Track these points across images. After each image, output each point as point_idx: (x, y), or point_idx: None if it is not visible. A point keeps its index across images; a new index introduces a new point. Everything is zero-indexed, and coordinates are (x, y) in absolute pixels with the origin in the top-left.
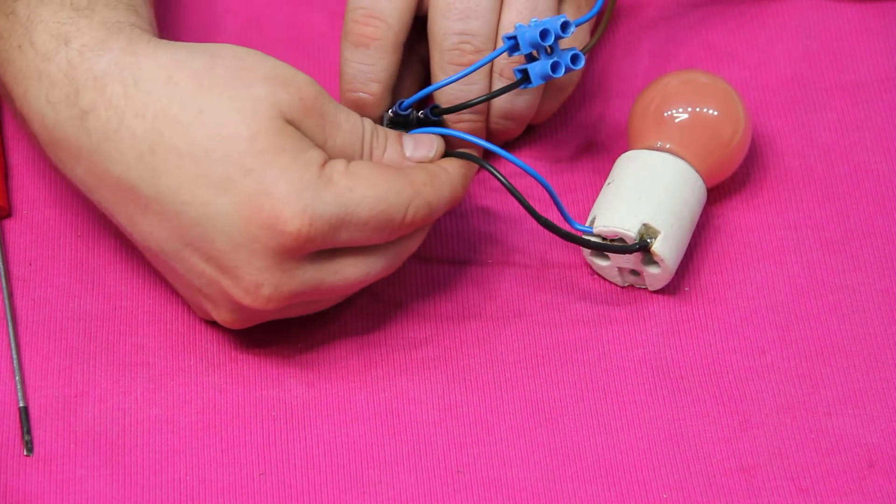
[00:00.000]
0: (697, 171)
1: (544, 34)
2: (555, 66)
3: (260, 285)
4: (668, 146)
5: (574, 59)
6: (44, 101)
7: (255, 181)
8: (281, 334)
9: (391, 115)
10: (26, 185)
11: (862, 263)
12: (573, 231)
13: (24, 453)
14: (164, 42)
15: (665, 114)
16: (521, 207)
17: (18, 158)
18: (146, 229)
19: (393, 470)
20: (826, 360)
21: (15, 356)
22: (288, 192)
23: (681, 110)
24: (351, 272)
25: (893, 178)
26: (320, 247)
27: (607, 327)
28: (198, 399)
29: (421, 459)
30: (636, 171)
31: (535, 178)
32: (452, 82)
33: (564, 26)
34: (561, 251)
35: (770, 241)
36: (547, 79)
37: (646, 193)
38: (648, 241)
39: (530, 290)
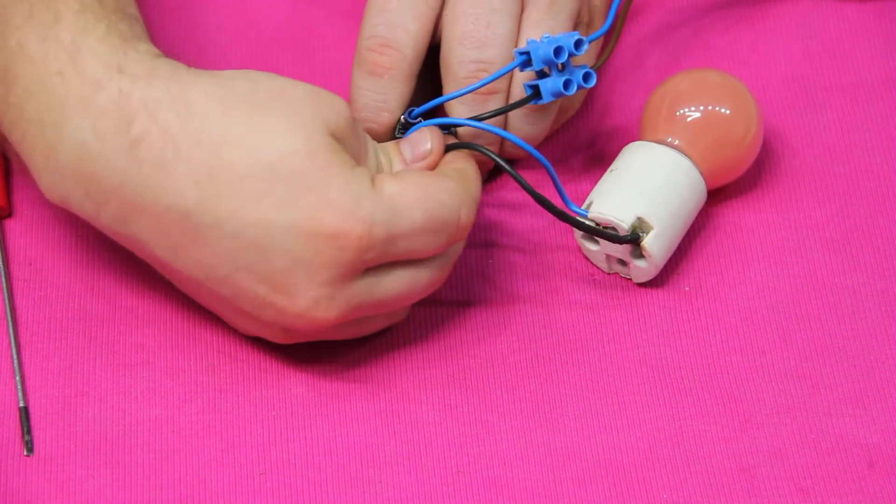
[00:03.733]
0: (703, 172)
1: (558, 51)
2: (567, 84)
3: (317, 301)
4: (676, 143)
5: (586, 77)
6: (88, 130)
7: (318, 196)
8: None
9: (402, 121)
10: (26, 185)
11: (862, 263)
12: (569, 212)
13: (25, 453)
14: (200, 70)
15: (677, 112)
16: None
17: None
18: (193, 258)
19: (393, 470)
20: (826, 361)
21: (15, 356)
22: (350, 204)
23: (693, 109)
24: (398, 283)
25: (893, 178)
26: (379, 258)
27: (608, 327)
28: (198, 399)
29: (421, 459)
30: (640, 163)
31: (535, 157)
32: (465, 94)
33: (578, 44)
34: (562, 250)
35: (770, 241)
36: (558, 96)
37: (646, 187)
38: (640, 234)
39: (531, 290)
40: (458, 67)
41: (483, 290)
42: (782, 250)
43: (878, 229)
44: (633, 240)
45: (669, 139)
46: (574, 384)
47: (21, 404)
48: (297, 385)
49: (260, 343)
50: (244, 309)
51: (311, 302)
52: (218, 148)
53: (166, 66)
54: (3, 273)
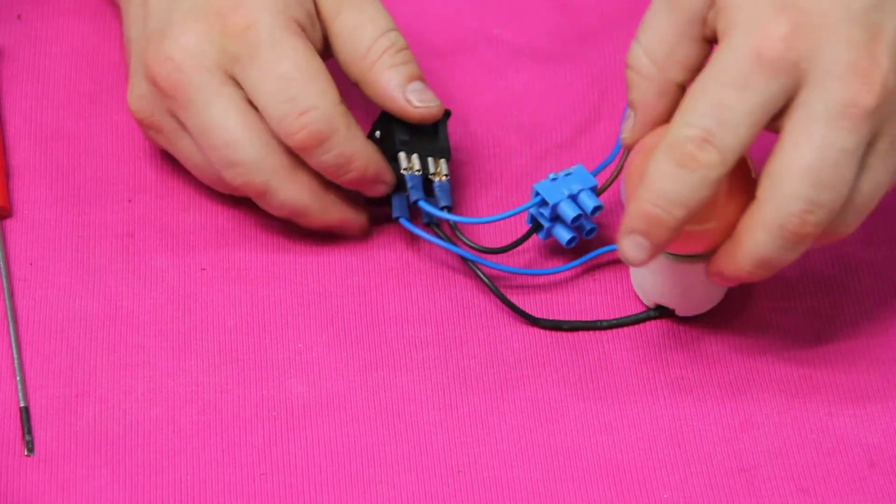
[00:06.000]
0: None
1: (576, 218)
2: (570, 241)
3: (171, 58)
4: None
5: (590, 232)
6: None
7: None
8: (281, 334)
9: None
10: (26, 185)
11: (862, 263)
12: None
13: (25, 453)
14: None
15: None
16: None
17: (19, 158)
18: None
19: (393, 470)
20: (826, 361)
21: (15, 356)
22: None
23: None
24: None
25: None
26: (238, 66)
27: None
28: (198, 399)
29: (421, 459)
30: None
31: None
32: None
33: (595, 210)
34: (563, 250)
35: None
36: (551, 238)
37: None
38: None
39: (531, 290)
40: (787, 202)
41: (483, 290)
42: None
43: (878, 229)
44: (662, 314)
45: None
46: (574, 384)
47: (21, 404)
48: (297, 385)
49: (260, 343)
50: (132, 39)
51: (164, 56)
52: None
53: None
54: (3, 273)
